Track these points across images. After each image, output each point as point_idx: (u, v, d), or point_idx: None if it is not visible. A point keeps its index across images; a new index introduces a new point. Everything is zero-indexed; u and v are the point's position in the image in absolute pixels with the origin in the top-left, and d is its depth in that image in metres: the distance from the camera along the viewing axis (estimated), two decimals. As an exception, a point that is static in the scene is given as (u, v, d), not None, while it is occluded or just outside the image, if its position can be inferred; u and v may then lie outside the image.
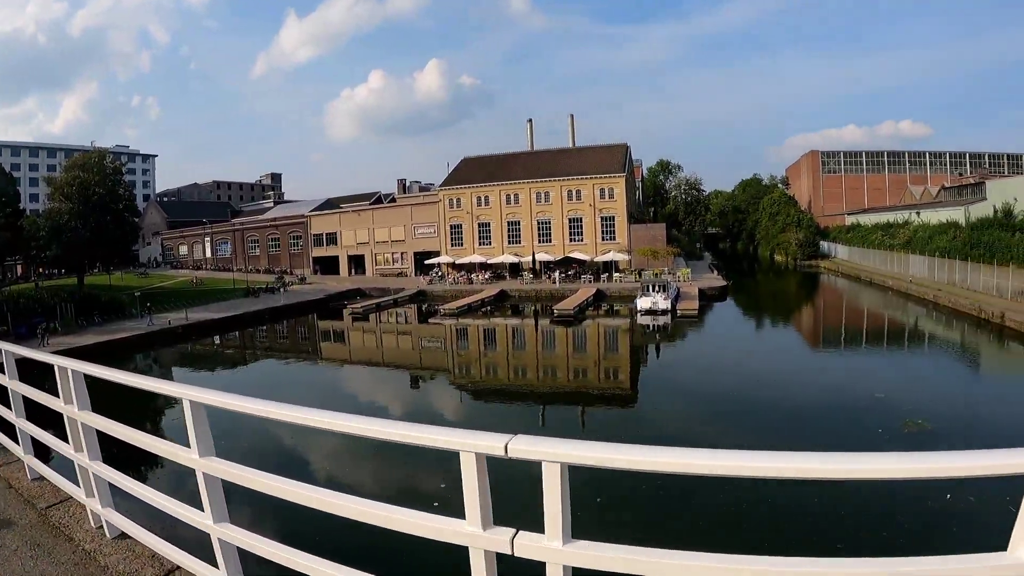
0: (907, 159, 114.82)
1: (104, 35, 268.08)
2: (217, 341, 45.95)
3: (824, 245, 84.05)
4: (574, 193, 65.50)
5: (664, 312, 43.15)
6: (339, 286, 64.14)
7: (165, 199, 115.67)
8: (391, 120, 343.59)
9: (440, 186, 72.61)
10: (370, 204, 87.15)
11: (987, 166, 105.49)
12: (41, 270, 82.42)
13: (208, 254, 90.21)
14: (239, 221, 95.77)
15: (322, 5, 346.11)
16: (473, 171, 71.79)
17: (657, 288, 45.16)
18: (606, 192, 64.84)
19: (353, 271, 75.75)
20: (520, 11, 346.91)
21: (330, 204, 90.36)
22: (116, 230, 58.58)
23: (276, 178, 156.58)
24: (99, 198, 56.91)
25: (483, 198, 68.28)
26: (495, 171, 70.24)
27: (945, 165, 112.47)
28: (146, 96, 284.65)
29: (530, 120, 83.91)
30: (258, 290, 60.61)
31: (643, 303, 44.04)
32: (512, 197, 67.36)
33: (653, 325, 42.07)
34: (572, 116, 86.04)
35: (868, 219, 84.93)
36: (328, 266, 77.40)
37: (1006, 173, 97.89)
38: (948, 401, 23.22)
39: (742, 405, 23.37)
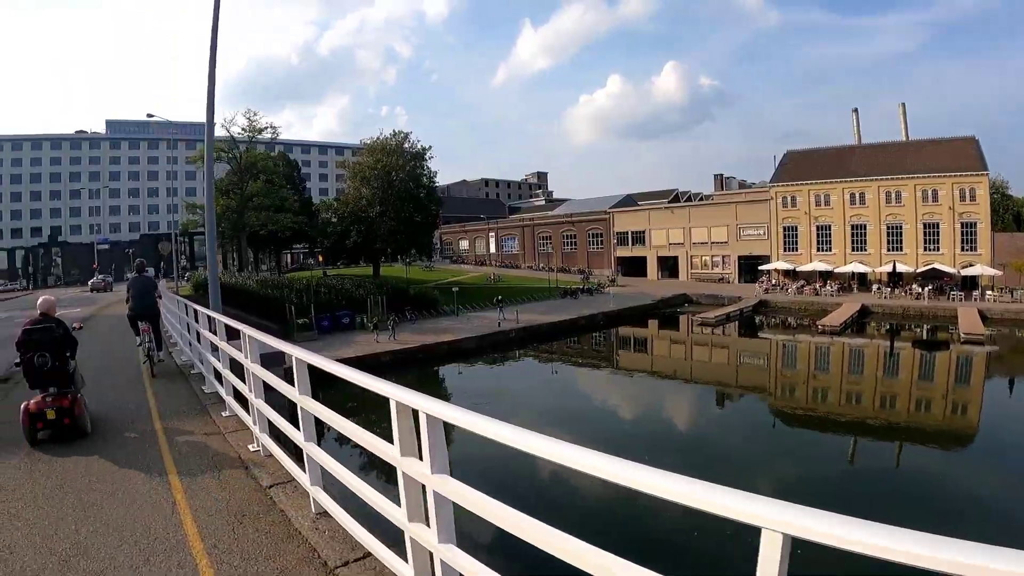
0: None
1: (352, 54, 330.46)
2: (556, 347, 43.27)
3: None
4: (929, 193, 59.78)
5: None
6: (660, 291, 61.71)
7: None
8: (629, 124, 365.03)
9: (771, 182, 68.49)
10: (668, 202, 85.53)
11: None
12: (323, 259, 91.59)
13: (492, 249, 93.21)
14: (527, 217, 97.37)
15: (555, 15, 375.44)
16: (803, 166, 67.69)
17: None
18: (966, 193, 58.64)
19: (661, 274, 73.51)
20: (752, 8, 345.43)
21: (629, 201, 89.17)
22: (418, 218, 59.61)
23: (542, 176, 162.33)
24: (401, 183, 58.01)
25: (823, 197, 63.96)
26: (827, 166, 65.88)
27: None
28: (394, 106, 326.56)
29: (855, 110, 79.46)
30: (576, 291, 59.88)
31: None
32: (857, 196, 62.62)
33: None
34: (903, 105, 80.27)
35: None
36: (633, 267, 75.33)
37: None
38: None
39: None
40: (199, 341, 12.21)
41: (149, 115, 57.32)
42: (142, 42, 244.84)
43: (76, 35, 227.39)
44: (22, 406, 8.80)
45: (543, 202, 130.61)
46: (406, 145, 60.03)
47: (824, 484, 18.16)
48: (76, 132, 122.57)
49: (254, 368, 7.04)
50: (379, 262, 64.23)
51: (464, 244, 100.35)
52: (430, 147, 61.31)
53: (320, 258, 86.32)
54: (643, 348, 47.56)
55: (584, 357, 42.28)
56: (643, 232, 75.95)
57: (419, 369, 34.38)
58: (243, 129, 56.88)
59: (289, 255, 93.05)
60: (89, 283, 72.71)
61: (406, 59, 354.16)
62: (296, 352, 5.40)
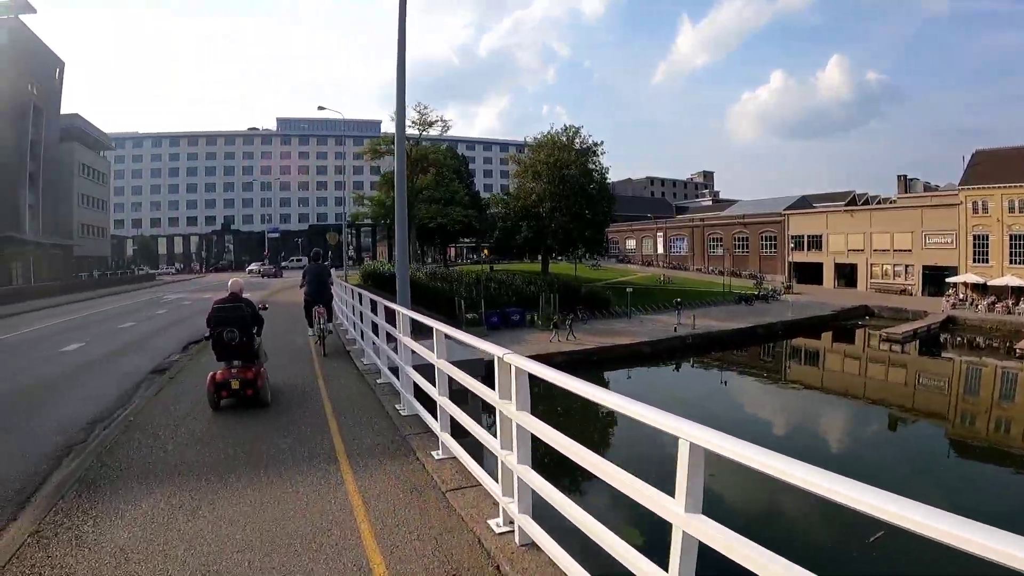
0: None
1: (511, 54, 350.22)
2: (731, 356, 43.12)
3: None
4: None
5: None
6: (838, 300, 60.41)
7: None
8: (793, 122, 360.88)
9: (960, 184, 65.17)
10: (845, 204, 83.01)
11: None
12: (488, 254, 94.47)
13: (660, 250, 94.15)
14: (696, 217, 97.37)
15: (713, 10, 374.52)
16: (994, 167, 63.58)
17: None
18: None
19: (837, 282, 71.69)
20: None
21: (803, 203, 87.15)
22: (591, 214, 60.40)
23: (708, 176, 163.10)
24: (572, 179, 58.85)
25: (1017, 202, 60.25)
26: (1022, 167, 61.60)
27: None
28: (554, 105, 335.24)
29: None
30: (751, 297, 59.01)
31: None
32: (1055, 202, 56.82)
33: None
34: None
35: None
36: (807, 273, 73.67)
37: None
38: None
39: None
40: (385, 341, 11.02)
41: (320, 107, 62.15)
42: (311, 46, 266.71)
43: (250, 43, 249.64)
44: (209, 375, 9.93)
45: (710, 202, 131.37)
46: (576, 140, 61.38)
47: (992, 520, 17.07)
48: (248, 129, 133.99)
49: (523, 418, 4.64)
50: (548, 259, 65.83)
51: (631, 243, 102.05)
52: (602, 142, 62.03)
53: (485, 252, 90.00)
54: (815, 362, 46.72)
55: (757, 368, 41.94)
56: (819, 236, 74.20)
57: (590, 371, 34.02)
58: (413, 122, 59.57)
59: (452, 249, 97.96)
60: (247, 269, 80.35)
61: (565, 58, 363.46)
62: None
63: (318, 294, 16.19)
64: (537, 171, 60.21)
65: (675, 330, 44.19)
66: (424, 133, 62.25)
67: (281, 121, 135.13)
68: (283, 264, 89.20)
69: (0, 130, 61.84)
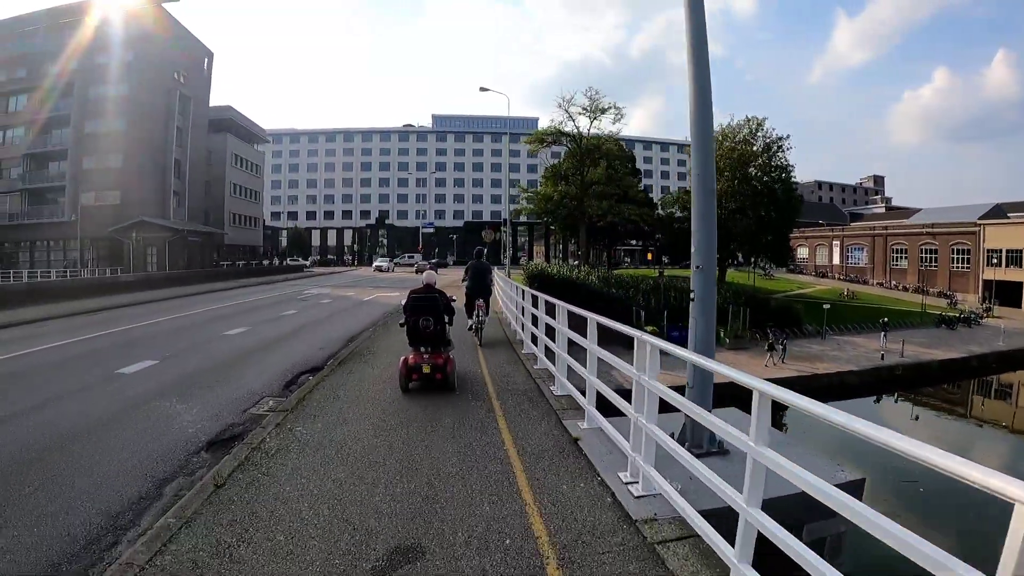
0: None
1: (663, 55, 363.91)
2: (940, 392, 36.69)
3: None
4: None
5: None
6: None
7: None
8: (956, 123, 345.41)
9: None
10: None
11: None
12: (651, 257, 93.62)
13: (835, 260, 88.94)
14: (878, 224, 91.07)
15: (871, 3, 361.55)
16: None
17: None
18: None
19: None
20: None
21: (998, 211, 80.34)
22: (775, 216, 56.36)
23: (879, 180, 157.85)
24: (756, 177, 55.82)
25: None
26: None
27: None
28: None
29: None
30: (952, 320, 52.36)
31: None
32: None
33: None
34: None
35: None
36: (1004, 294, 65.88)
37: None
38: None
39: None
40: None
41: (482, 88, 61.29)
42: (462, 47, 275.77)
43: (404, 45, 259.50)
44: (401, 359, 10.92)
45: (882, 209, 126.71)
46: (759, 133, 57.52)
47: None
48: (403, 126, 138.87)
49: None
50: (727, 265, 61.50)
51: (803, 251, 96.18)
52: (787, 136, 57.48)
53: (649, 256, 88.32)
54: (1007, 398, 39.40)
55: (958, 404, 35.89)
56: (1020, 251, 66.65)
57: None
58: (584, 109, 58.45)
59: (611, 251, 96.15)
60: (374, 265, 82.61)
61: (718, 57, 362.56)
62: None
63: (479, 288, 17.54)
64: (719, 166, 55.13)
65: (882, 357, 37.96)
66: (596, 121, 60.08)
67: (436, 118, 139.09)
68: (434, 259, 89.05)
69: (144, 115, 63.98)
